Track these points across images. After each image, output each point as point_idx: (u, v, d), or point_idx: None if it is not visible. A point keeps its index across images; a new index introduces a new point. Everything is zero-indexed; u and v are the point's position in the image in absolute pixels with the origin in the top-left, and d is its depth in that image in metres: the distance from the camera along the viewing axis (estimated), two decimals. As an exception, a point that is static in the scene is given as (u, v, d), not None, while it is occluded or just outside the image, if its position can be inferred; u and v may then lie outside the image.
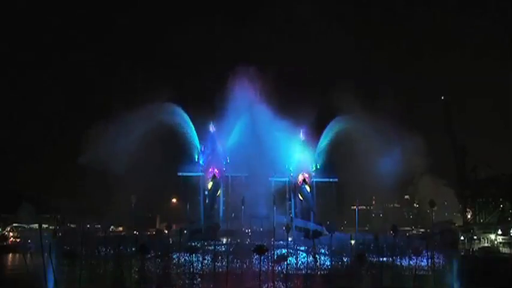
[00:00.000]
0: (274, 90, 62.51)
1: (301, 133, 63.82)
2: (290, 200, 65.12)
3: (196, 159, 62.54)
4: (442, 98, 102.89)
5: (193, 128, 63.71)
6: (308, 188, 61.92)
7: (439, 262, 49.84)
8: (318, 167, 64.47)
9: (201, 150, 62.49)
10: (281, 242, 50.69)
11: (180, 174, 62.87)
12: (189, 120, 63.42)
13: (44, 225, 52.53)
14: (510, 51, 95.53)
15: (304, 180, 61.70)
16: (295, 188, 63.81)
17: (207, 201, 61.47)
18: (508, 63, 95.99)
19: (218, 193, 60.92)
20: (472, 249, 72.00)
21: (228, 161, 62.14)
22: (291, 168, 64.46)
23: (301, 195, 61.80)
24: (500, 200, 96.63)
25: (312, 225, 60.83)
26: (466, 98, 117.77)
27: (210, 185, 60.17)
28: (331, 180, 63.64)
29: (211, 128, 62.57)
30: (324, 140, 64.73)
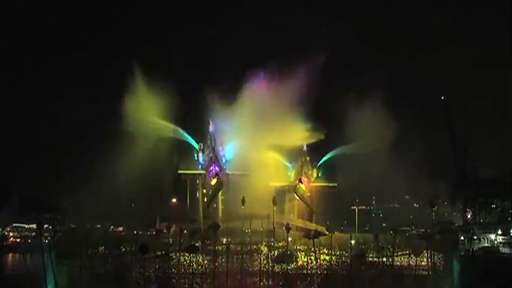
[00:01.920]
0: (274, 92, 62.84)
1: (304, 147, 63.72)
2: (290, 201, 65.18)
3: (196, 158, 62.43)
4: (442, 98, 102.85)
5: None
6: (303, 187, 61.71)
7: (439, 262, 49.79)
8: (320, 175, 64.56)
9: (200, 149, 62.35)
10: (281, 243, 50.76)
11: (180, 172, 62.77)
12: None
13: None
14: (510, 51, 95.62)
15: (299, 180, 61.55)
16: (292, 188, 63.70)
17: (205, 199, 61.40)
18: (508, 63, 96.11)
19: (220, 191, 60.68)
20: (472, 249, 71.96)
21: (228, 159, 62.12)
22: (292, 175, 64.53)
23: (296, 195, 61.74)
24: (500, 200, 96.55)
25: (312, 226, 60.82)
26: (466, 98, 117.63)
27: (213, 181, 59.89)
28: (330, 185, 63.76)
29: (211, 127, 62.47)
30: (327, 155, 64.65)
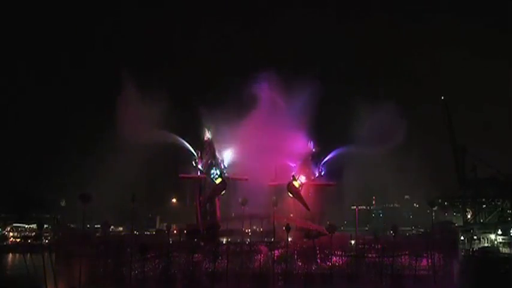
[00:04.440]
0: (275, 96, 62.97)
1: (310, 144, 63.34)
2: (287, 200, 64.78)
3: (194, 165, 62.24)
4: (442, 98, 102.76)
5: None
6: (297, 185, 61.04)
7: (439, 262, 49.77)
8: (323, 174, 64.06)
9: (198, 155, 62.18)
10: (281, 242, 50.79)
11: (181, 175, 62.72)
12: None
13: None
14: (510, 51, 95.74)
15: (293, 177, 60.69)
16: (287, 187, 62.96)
17: (204, 203, 61.26)
18: (508, 63, 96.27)
19: (223, 192, 60.51)
20: (472, 249, 71.87)
21: (226, 165, 61.95)
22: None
23: (291, 193, 60.91)
24: (500, 200, 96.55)
25: (312, 226, 60.57)
26: (466, 98, 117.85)
27: (218, 181, 59.89)
28: (329, 184, 63.42)
29: (207, 134, 62.46)
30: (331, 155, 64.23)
